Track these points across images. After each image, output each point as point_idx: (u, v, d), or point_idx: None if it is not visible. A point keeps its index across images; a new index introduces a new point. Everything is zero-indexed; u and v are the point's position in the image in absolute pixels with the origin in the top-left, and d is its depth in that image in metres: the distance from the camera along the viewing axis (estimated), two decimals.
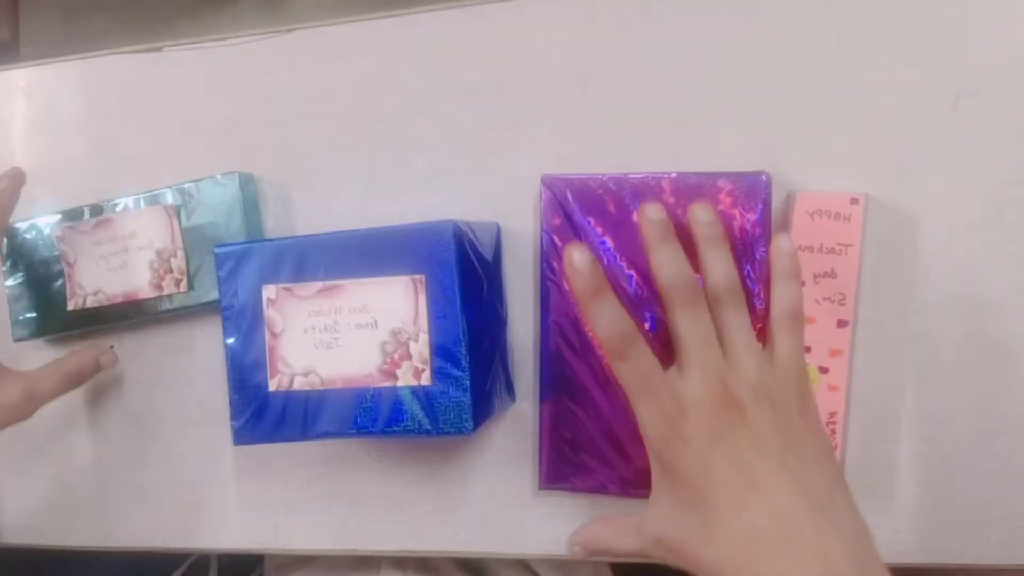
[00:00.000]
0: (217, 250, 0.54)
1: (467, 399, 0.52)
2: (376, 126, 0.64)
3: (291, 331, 0.53)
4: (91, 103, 0.71)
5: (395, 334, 0.52)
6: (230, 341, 0.54)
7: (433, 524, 0.63)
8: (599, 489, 0.57)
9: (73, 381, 0.64)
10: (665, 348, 0.49)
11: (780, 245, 0.50)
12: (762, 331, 0.50)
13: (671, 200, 0.55)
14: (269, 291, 0.53)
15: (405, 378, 0.52)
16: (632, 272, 0.55)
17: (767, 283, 0.51)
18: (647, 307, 0.54)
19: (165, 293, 0.64)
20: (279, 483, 0.66)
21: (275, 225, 0.66)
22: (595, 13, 0.60)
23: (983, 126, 0.55)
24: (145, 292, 0.64)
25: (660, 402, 0.46)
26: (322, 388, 0.53)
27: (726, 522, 0.44)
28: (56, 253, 0.67)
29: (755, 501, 0.43)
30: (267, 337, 0.53)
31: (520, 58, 0.62)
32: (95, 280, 0.66)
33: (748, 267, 0.53)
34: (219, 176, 0.63)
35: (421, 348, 0.52)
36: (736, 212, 0.54)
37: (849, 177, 0.56)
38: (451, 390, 0.52)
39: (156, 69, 0.70)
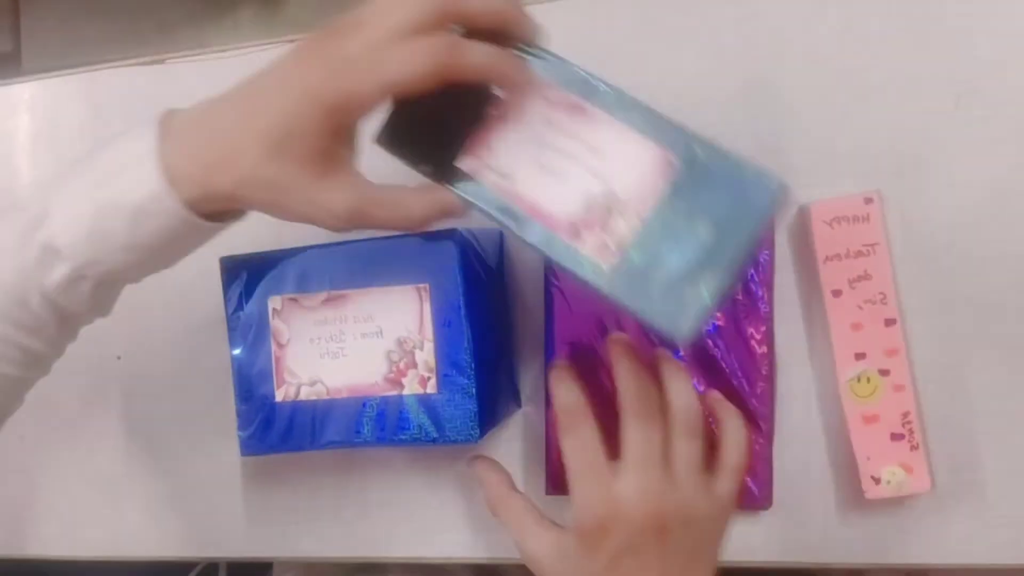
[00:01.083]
0: (222, 260, 0.54)
1: (473, 407, 0.52)
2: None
3: (297, 341, 0.53)
4: (94, 116, 0.72)
5: (400, 343, 0.53)
6: (236, 352, 0.54)
7: (441, 530, 0.63)
8: None
9: (412, 222, 0.47)
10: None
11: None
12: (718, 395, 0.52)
13: None
14: (275, 301, 0.53)
15: (411, 387, 0.53)
16: None
17: (770, 287, 0.51)
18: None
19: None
20: (287, 490, 0.66)
21: (281, 235, 0.66)
22: (595, 19, 0.60)
23: (985, 123, 0.54)
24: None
25: (597, 491, 0.48)
26: (328, 397, 0.53)
27: None
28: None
29: None
30: (273, 347, 0.53)
31: None
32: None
33: (752, 271, 0.53)
34: None
35: (427, 357, 0.53)
36: None
37: (852, 177, 0.56)
38: (457, 398, 0.52)
39: (158, 81, 0.70)
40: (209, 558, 0.70)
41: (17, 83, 0.73)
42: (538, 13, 0.60)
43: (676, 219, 0.43)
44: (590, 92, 0.45)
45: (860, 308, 0.53)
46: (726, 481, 0.49)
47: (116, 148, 0.46)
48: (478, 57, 0.43)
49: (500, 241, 0.60)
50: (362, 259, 0.53)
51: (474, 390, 0.52)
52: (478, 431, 0.52)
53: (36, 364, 0.50)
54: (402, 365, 0.53)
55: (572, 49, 0.59)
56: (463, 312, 0.52)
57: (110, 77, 0.72)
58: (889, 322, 0.53)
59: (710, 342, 0.54)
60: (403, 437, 0.53)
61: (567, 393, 0.50)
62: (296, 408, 0.53)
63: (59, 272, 0.45)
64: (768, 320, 0.54)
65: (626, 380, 0.49)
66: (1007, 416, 0.55)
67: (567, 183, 0.44)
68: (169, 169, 0.44)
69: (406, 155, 0.47)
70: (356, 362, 0.53)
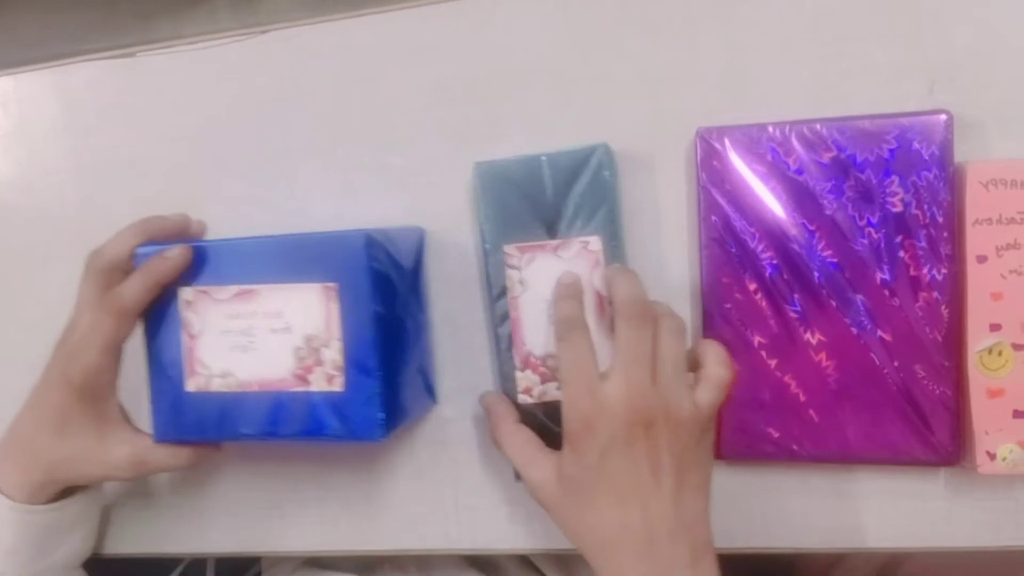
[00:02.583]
0: (139, 250, 0.57)
1: (378, 405, 0.54)
2: (352, 125, 0.65)
3: (208, 333, 0.55)
4: (67, 110, 0.73)
5: (308, 340, 0.55)
6: (150, 340, 0.57)
7: (426, 522, 0.65)
8: (782, 453, 0.57)
9: (187, 466, 0.61)
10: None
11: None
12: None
13: (839, 147, 0.55)
14: (187, 293, 0.55)
15: (318, 384, 0.55)
16: (804, 222, 0.55)
17: (952, 231, 0.53)
18: (817, 254, 0.56)
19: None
20: (271, 485, 0.67)
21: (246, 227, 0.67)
22: (569, 7, 0.61)
23: (959, 110, 0.54)
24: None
25: (584, 391, 0.50)
26: (239, 390, 0.55)
27: (601, 513, 0.50)
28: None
29: (632, 505, 0.49)
30: (184, 338, 0.56)
31: (494, 54, 0.63)
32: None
33: (933, 210, 0.53)
34: None
35: (334, 355, 0.54)
36: (915, 156, 0.54)
37: None
38: (362, 396, 0.54)
39: (131, 73, 0.71)
40: (194, 553, 0.72)
41: None
42: (511, 5, 0.62)
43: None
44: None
45: (1004, 277, 0.52)
46: (707, 391, 0.51)
47: None
48: (133, 290, 0.55)
49: (420, 241, 0.62)
50: (274, 255, 0.55)
51: (379, 389, 0.54)
52: (383, 429, 0.54)
53: None
54: (309, 362, 0.55)
55: (546, 43, 0.62)
56: (370, 312, 0.54)
57: (81, 71, 0.72)
58: None
59: (887, 289, 0.55)
60: (310, 433, 0.55)
61: (567, 305, 0.54)
62: (208, 399, 0.56)
63: None
64: (950, 264, 0.54)
65: (620, 287, 0.52)
66: None
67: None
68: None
69: None
70: (265, 357, 0.55)
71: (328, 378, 0.54)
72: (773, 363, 0.57)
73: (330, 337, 0.54)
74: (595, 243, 0.57)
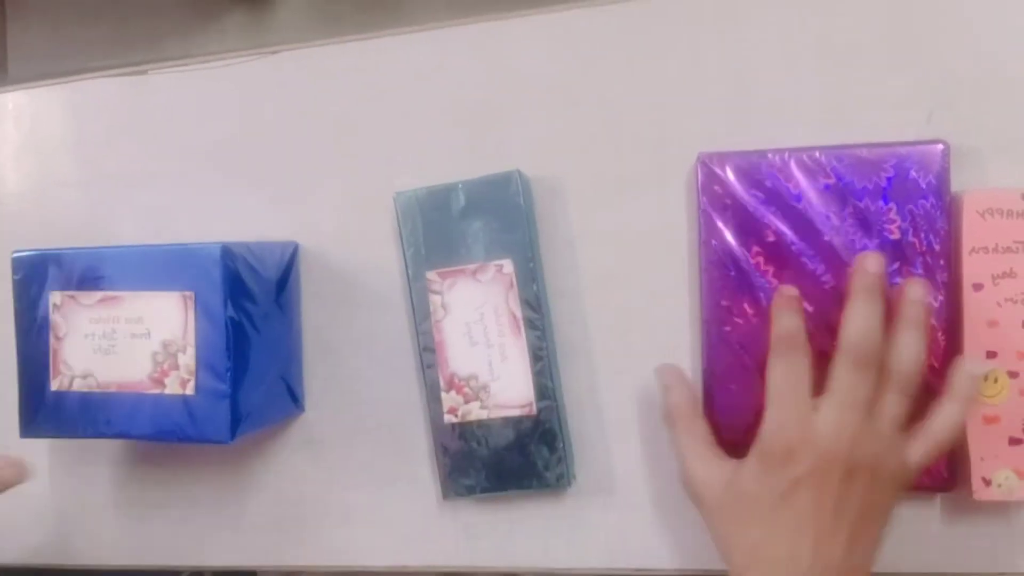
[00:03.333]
0: (13, 255, 0.60)
1: (226, 410, 0.56)
2: (362, 145, 0.66)
3: (73, 335, 0.58)
4: (79, 126, 0.76)
5: (166, 345, 0.56)
6: (20, 341, 0.60)
7: (425, 539, 0.65)
8: None
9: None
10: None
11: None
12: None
13: (837, 173, 0.55)
14: (55, 297, 0.58)
15: (172, 387, 0.56)
16: (801, 245, 0.55)
17: (948, 257, 0.53)
18: (813, 275, 0.55)
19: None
20: (269, 500, 0.68)
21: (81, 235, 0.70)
22: (579, 32, 0.62)
23: (957, 139, 0.54)
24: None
25: (794, 417, 0.48)
26: (100, 391, 0.58)
27: (771, 536, 0.48)
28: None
29: (805, 539, 0.47)
30: (51, 340, 0.58)
31: (504, 77, 0.63)
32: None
33: (929, 237, 0.53)
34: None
35: (188, 360, 0.55)
36: (911, 184, 0.54)
37: None
38: (212, 401, 0.56)
39: (143, 91, 0.74)
40: (190, 567, 0.74)
41: (1, 92, 0.78)
42: (521, 29, 0.63)
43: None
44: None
45: (999, 305, 0.52)
46: (921, 448, 0.49)
47: None
48: None
49: (291, 256, 0.63)
50: (138, 264, 0.57)
51: (227, 393, 0.55)
52: (229, 432, 0.56)
53: None
54: (166, 366, 0.56)
55: (555, 66, 0.63)
56: (224, 321, 0.55)
57: (93, 87, 0.76)
58: None
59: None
60: (163, 433, 0.57)
61: (788, 319, 0.51)
62: (70, 398, 0.58)
63: None
64: (945, 290, 0.53)
65: (855, 320, 0.49)
66: None
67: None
68: None
69: None
70: (125, 360, 0.57)
71: (182, 382, 0.56)
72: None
73: (186, 343, 0.55)
74: (508, 266, 0.57)
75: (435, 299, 0.59)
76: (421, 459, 0.64)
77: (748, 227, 0.56)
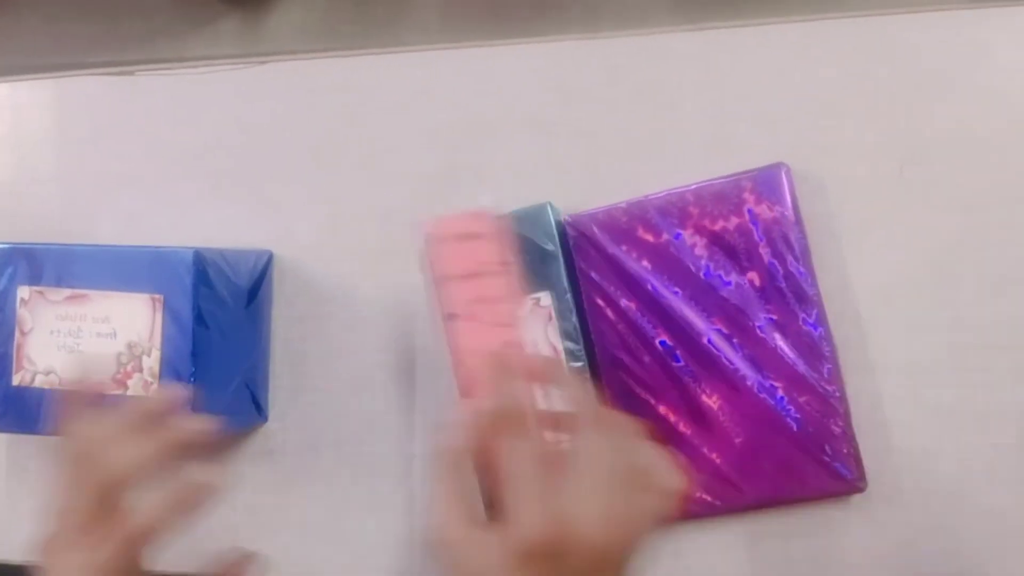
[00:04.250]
0: None
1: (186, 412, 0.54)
2: (342, 159, 0.67)
3: (38, 331, 0.58)
4: (61, 121, 0.76)
5: (131, 347, 0.56)
6: None
7: (383, 556, 0.64)
8: (705, 509, 0.57)
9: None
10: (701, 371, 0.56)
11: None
12: None
13: (695, 211, 0.56)
14: (23, 291, 0.58)
15: (135, 389, 0.56)
16: (677, 289, 0.57)
17: (811, 268, 0.55)
18: (695, 324, 0.57)
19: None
20: (226, 507, 0.65)
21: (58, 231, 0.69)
22: (560, 64, 0.63)
23: (927, 193, 0.57)
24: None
25: (541, 510, 0.42)
26: (60, 388, 0.57)
27: None
28: None
29: None
30: (16, 334, 0.58)
31: (484, 100, 0.64)
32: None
33: (790, 256, 0.55)
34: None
35: (152, 363, 0.55)
36: (764, 207, 0.55)
37: None
38: None
39: (129, 92, 0.74)
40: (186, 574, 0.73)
41: None
42: (505, 58, 0.64)
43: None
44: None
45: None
46: (656, 501, 0.44)
47: None
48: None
49: (264, 266, 0.62)
50: (109, 264, 0.57)
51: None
52: None
53: None
54: (129, 368, 0.56)
55: (535, 95, 0.64)
56: (191, 326, 0.55)
57: (79, 84, 0.75)
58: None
59: (766, 336, 0.56)
60: None
61: (517, 390, 0.45)
62: (30, 394, 0.58)
63: None
64: (818, 302, 0.55)
65: (577, 390, 0.46)
66: None
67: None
68: None
69: None
70: (89, 359, 0.56)
71: (145, 384, 0.55)
72: (681, 426, 0.57)
73: (151, 346, 0.55)
74: (545, 299, 0.57)
75: None
76: (383, 476, 0.63)
77: (625, 280, 0.57)
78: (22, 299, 0.58)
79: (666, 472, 0.44)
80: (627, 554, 0.43)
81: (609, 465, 0.43)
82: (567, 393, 0.45)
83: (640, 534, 0.43)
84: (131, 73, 0.75)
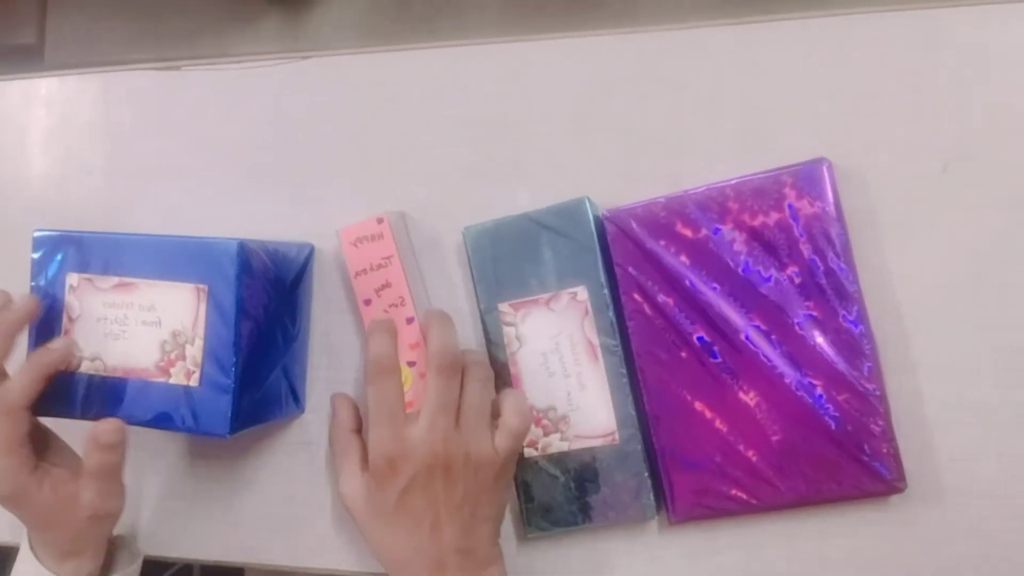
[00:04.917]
0: (36, 233, 0.60)
1: (228, 405, 0.56)
2: (381, 153, 0.67)
3: (86, 318, 0.58)
4: (108, 115, 0.77)
5: (175, 335, 0.56)
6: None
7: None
8: (740, 507, 0.57)
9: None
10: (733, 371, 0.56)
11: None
12: None
13: (735, 206, 0.56)
14: (72, 279, 0.59)
15: (177, 377, 0.56)
16: (715, 285, 0.57)
17: (852, 265, 0.55)
18: (733, 320, 0.57)
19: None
20: (263, 498, 0.68)
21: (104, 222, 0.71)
22: (598, 58, 0.63)
23: (970, 190, 0.56)
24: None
25: (389, 433, 0.54)
26: (105, 374, 0.58)
27: (396, 537, 0.55)
28: None
29: (424, 534, 0.54)
30: (64, 320, 0.59)
31: (521, 95, 0.64)
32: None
33: (830, 252, 0.55)
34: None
35: (195, 352, 0.56)
36: (804, 202, 0.55)
37: None
38: (215, 394, 0.56)
39: (174, 86, 0.75)
40: (180, 559, 0.74)
41: (35, 77, 0.79)
42: (539, 51, 0.65)
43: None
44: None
45: (386, 312, 0.59)
46: (505, 439, 0.55)
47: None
48: (20, 386, 0.56)
49: (306, 257, 0.63)
50: (156, 253, 0.58)
51: (232, 389, 0.56)
52: (228, 426, 0.56)
53: None
54: (173, 356, 0.57)
55: (571, 87, 0.64)
56: (234, 317, 0.56)
57: (126, 78, 0.76)
58: (409, 320, 0.59)
59: (805, 333, 0.55)
60: (163, 421, 0.57)
61: (377, 344, 0.56)
62: (76, 379, 0.58)
63: None
64: (858, 299, 0.55)
65: (433, 338, 0.56)
66: None
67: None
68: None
69: None
70: (134, 346, 0.57)
71: (187, 373, 0.56)
72: (717, 423, 0.57)
73: (195, 335, 0.56)
74: (582, 293, 0.58)
75: (509, 331, 0.59)
76: None
77: (663, 275, 0.57)
78: (71, 286, 0.59)
79: (509, 412, 0.55)
80: (468, 476, 0.54)
81: (451, 402, 0.54)
82: (430, 345, 0.56)
83: (479, 462, 0.54)
84: (177, 68, 0.76)
